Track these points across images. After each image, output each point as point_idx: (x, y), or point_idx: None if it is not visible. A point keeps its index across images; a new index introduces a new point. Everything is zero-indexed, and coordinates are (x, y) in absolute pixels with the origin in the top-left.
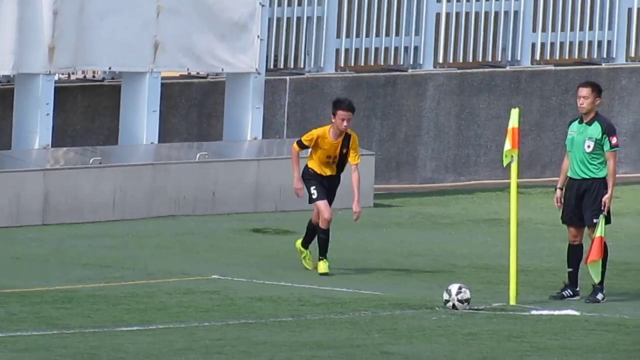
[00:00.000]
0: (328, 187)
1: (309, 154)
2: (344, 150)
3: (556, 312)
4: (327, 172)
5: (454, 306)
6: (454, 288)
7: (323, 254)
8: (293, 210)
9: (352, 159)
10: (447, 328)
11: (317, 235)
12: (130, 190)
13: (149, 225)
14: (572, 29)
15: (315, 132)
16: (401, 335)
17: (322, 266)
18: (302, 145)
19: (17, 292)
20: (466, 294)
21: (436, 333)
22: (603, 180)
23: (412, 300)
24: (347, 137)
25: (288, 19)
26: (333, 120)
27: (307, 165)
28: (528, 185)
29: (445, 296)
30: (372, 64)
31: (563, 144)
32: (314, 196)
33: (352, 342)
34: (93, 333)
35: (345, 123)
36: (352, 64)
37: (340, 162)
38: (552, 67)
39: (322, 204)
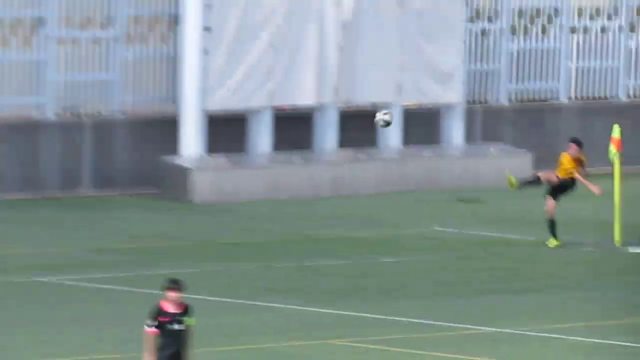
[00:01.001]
0: (564, 190)
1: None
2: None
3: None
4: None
5: (382, 120)
6: (381, 112)
7: (552, 234)
8: (484, 189)
9: (578, 173)
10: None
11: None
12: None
13: (401, 196)
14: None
15: (562, 158)
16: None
17: (552, 242)
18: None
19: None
20: (388, 116)
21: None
22: None
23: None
24: (580, 160)
25: (474, 72)
26: (569, 149)
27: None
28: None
29: (378, 116)
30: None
31: None
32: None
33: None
34: (357, 261)
35: (570, 151)
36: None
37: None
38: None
39: (548, 201)
